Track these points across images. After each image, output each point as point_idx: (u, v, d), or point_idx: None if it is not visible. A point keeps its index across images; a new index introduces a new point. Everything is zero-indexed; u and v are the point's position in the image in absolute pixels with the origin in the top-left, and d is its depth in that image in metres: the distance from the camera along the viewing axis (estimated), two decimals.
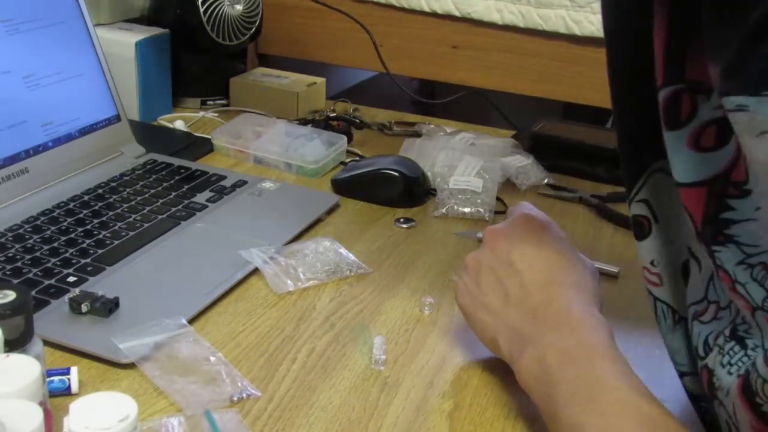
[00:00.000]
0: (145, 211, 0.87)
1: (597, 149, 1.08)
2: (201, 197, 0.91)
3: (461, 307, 0.65)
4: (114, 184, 0.92)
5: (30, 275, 0.73)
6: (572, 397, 0.52)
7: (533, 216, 0.65)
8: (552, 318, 0.57)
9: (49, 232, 0.81)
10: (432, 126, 1.19)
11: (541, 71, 1.32)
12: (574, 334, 0.55)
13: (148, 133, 1.08)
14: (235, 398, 0.61)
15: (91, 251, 0.78)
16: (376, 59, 1.32)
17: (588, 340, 0.55)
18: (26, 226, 0.81)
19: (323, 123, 1.14)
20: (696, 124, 0.47)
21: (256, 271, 0.78)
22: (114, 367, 0.63)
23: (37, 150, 0.89)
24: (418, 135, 1.17)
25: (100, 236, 0.81)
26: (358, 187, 0.97)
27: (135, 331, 0.65)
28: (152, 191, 0.92)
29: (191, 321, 0.69)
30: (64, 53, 0.95)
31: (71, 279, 0.73)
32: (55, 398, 0.58)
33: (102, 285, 0.72)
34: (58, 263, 0.75)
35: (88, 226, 0.82)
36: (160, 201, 0.89)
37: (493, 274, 0.62)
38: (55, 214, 0.84)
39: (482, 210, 0.94)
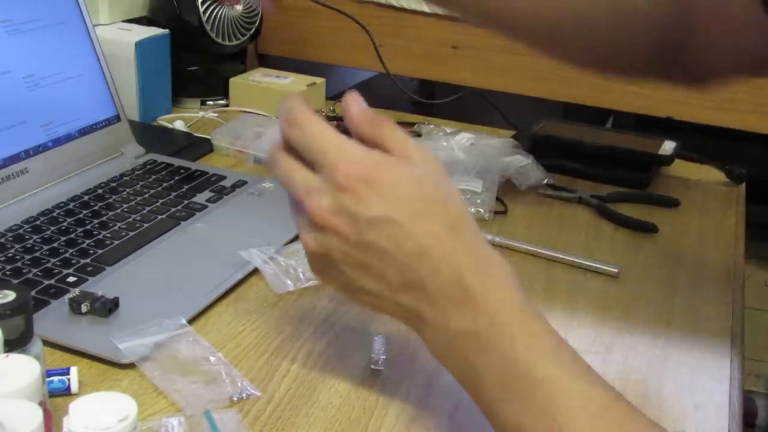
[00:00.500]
0: (144, 212, 0.87)
1: (597, 149, 1.08)
2: (201, 197, 0.91)
3: (334, 290, 0.58)
4: (114, 184, 0.92)
5: (30, 275, 0.73)
6: (505, 393, 0.49)
7: (357, 164, 0.52)
8: (448, 293, 0.51)
9: (48, 232, 0.81)
10: (432, 126, 1.19)
11: (541, 71, 1.32)
12: (479, 310, 0.50)
13: (147, 134, 1.08)
14: (235, 398, 0.61)
15: (91, 251, 0.78)
16: (376, 59, 1.32)
17: (497, 313, 0.50)
18: (26, 226, 0.81)
19: None
20: None
21: (256, 271, 0.78)
22: (114, 367, 0.63)
23: (37, 150, 0.89)
24: (418, 135, 1.17)
25: (100, 236, 0.81)
26: None
27: (135, 332, 0.65)
28: (152, 191, 0.92)
29: (191, 321, 0.69)
30: (64, 53, 0.95)
31: (71, 279, 0.73)
32: (55, 398, 0.58)
33: (102, 285, 0.72)
34: (57, 263, 0.75)
35: (88, 227, 0.82)
36: (160, 201, 0.89)
37: (352, 259, 0.53)
38: (54, 214, 0.84)
39: (482, 210, 0.94)
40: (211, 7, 1.21)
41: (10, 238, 0.79)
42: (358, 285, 0.54)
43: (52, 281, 0.72)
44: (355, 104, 0.56)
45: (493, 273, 0.52)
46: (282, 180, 0.56)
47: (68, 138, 0.93)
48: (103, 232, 0.82)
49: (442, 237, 0.51)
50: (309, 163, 0.54)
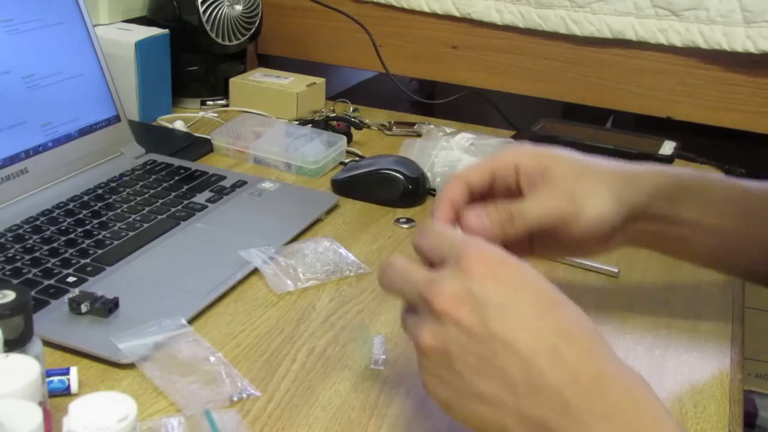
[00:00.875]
0: (144, 212, 0.87)
1: (597, 149, 1.08)
2: (201, 197, 0.91)
3: (441, 404, 0.50)
4: (114, 184, 0.92)
5: (30, 275, 0.73)
6: None
7: (486, 252, 0.48)
8: (589, 401, 0.44)
9: (48, 232, 0.80)
10: (432, 126, 1.19)
11: (541, 71, 1.32)
12: (625, 419, 0.44)
13: (147, 134, 1.08)
14: (235, 398, 0.61)
15: (91, 251, 0.78)
16: (376, 59, 1.33)
17: (644, 422, 0.44)
18: (26, 226, 0.81)
19: (323, 123, 1.14)
20: None
21: (255, 271, 0.78)
22: (114, 367, 0.63)
23: (37, 150, 0.89)
24: (418, 135, 1.17)
25: (100, 236, 0.81)
26: (358, 187, 0.97)
27: (135, 332, 0.65)
28: (152, 191, 0.91)
29: (191, 321, 0.69)
30: (64, 53, 0.95)
31: (71, 279, 0.73)
32: (55, 398, 0.58)
33: (102, 285, 0.72)
34: (57, 263, 0.75)
35: (88, 227, 0.82)
36: (160, 201, 0.89)
37: (473, 355, 0.46)
38: (54, 214, 0.84)
39: None
40: (211, 7, 1.21)
41: (10, 238, 0.79)
42: (474, 390, 0.47)
43: (52, 281, 0.72)
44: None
45: (631, 386, 0.46)
46: (396, 283, 0.52)
47: (68, 138, 0.93)
48: (103, 232, 0.81)
49: (577, 339, 0.45)
50: (430, 263, 0.51)
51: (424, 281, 0.49)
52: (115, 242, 0.80)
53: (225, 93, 1.27)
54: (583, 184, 0.61)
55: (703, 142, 1.20)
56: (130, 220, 0.85)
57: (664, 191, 0.65)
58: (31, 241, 0.78)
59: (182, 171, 0.98)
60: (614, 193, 0.62)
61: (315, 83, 1.27)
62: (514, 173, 0.62)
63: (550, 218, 0.60)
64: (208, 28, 1.21)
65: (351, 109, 1.27)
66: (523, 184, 0.62)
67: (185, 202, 0.90)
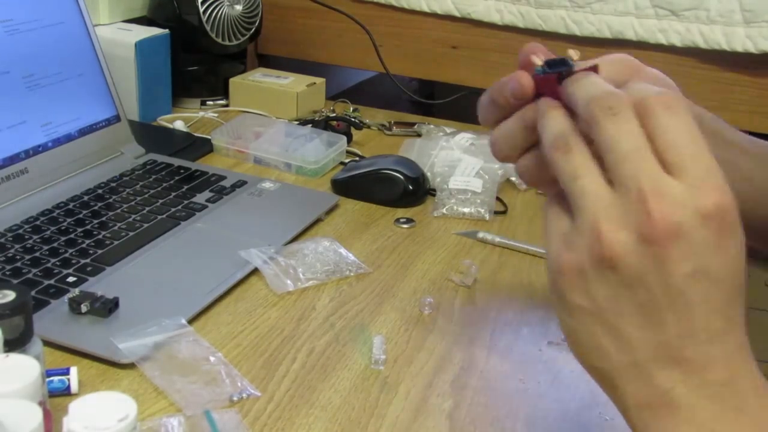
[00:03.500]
0: (144, 212, 0.87)
1: None
2: (201, 197, 0.91)
3: (567, 320, 0.41)
4: (114, 184, 0.92)
5: (30, 275, 0.73)
6: None
7: (668, 201, 0.37)
8: (731, 393, 0.39)
9: (48, 232, 0.80)
10: (431, 126, 1.19)
11: None
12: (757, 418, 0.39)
13: (147, 134, 1.08)
14: (235, 398, 0.61)
15: (91, 251, 0.78)
16: (375, 59, 1.33)
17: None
18: (26, 226, 0.81)
19: (323, 123, 1.14)
20: None
21: (255, 271, 0.78)
22: (114, 367, 0.63)
23: (37, 150, 0.89)
24: (418, 135, 1.17)
25: (100, 236, 0.81)
26: (358, 187, 0.97)
27: (135, 331, 0.65)
28: (152, 191, 0.91)
29: (191, 321, 0.69)
30: (64, 53, 0.95)
31: (71, 279, 0.73)
32: (55, 398, 0.58)
33: (102, 285, 0.72)
34: (57, 263, 0.75)
35: (88, 227, 0.82)
36: (160, 201, 0.89)
37: (645, 292, 0.38)
38: (54, 214, 0.84)
39: (482, 210, 0.94)
40: (211, 7, 1.21)
41: (10, 238, 0.79)
42: (617, 323, 0.39)
43: (52, 281, 0.72)
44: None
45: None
46: (566, 176, 0.41)
47: (68, 138, 0.93)
48: (103, 232, 0.81)
49: (740, 328, 0.40)
50: (606, 166, 0.39)
51: (595, 206, 0.39)
52: (115, 242, 0.80)
53: (225, 93, 1.27)
54: None
55: None
56: (130, 220, 0.85)
57: (707, 125, 0.54)
58: (31, 241, 0.78)
59: (182, 171, 0.98)
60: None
61: (315, 83, 1.27)
62: None
63: None
64: (208, 28, 1.21)
65: (351, 109, 1.27)
66: None
67: (185, 202, 0.90)
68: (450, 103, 1.36)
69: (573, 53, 0.46)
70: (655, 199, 0.37)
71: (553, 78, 0.45)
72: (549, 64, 0.47)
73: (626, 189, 0.38)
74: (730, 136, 0.56)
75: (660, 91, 0.40)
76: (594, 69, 0.45)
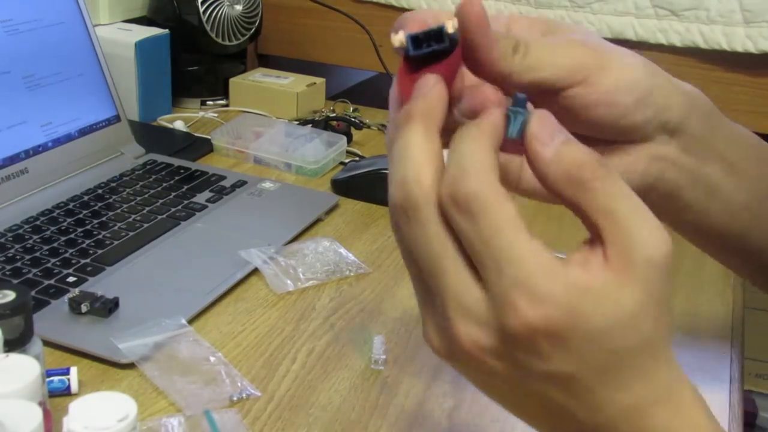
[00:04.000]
0: (144, 212, 0.87)
1: None
2: (201, 197, 0.91)
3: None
4: (114, 184, 0.92)
5: (30, 275, 0.73)
6: None
7: (537, 300, 0.34)
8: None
9: (48, 232, 0.80)
10: None
11: None
12: None
13: (147, 134, 1.08)
14: (235, 398, 0.61)
15: (91, 251, 0.78)
16: (376, 59, 1.32)
17: None
18: (26, 226, 0.81)
19: (323, 123, 1.14)
20: None
21: (255, 271, 0.78)
22: (114, 367, 0.63)
23: (37, 150, 0.89)
24: None
25: (100, 236, 0.81)
26: (358, 187, 0.97)
27: (135, 331, 0.65)
28: (152, 191, 0.91)
29: (191, 321, 0.69)
30: (64, 53, 0.95)
31: (71, 279, 0.73)
32: (55, 398, 0.58)
33: (102, 285, 0.72)
34: (57, 263, 0.75)
35: (88, 227, 0.82)
36: (160, 201, 0.89)
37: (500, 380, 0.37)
38: (54, 214, 0.84)
39: None
40: (211, 7, 1.21)
41: (10, 238, 0.79)
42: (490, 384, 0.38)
43: (52, 281, 0.72)
44: (548, 135, 0.36)
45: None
46: (426, 262, 0.36)
47: (68, 138, 0.93)
48: (103, 232, 0.81)
49: (639, 411, 0.38)
50: (473, 258, 0.35)
51: (454, 299, 0.35)
52: (115, 242, 0.80)
53: (225, 93, 1.27)
54: (609, 45, 0.46)
55: None
56: (130, 220, 0.85)
57: (700, 106, 0.53)
58: (31, 241, 0.78)
59: (182, 171, 0.98)
60: (648, 72, 0.48)
61: (315, 83, 1.27)
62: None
63: (566, 69, 0.43)
64: (208, 28, 1.21)
65: (351, 109, 1.27)
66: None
67: (185, 202, 0.90)
68: None
69: (449, 24, 0.37)
70: (521, 288, 0.34)
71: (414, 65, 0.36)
72: (417, 39, 0.36)
73: (490, 283, 0.35)
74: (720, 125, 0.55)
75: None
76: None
